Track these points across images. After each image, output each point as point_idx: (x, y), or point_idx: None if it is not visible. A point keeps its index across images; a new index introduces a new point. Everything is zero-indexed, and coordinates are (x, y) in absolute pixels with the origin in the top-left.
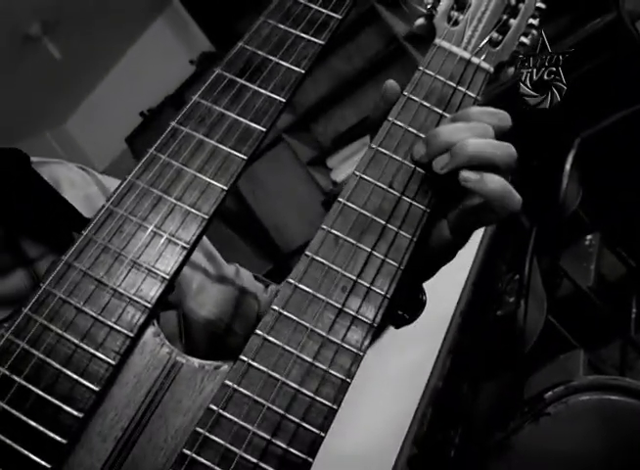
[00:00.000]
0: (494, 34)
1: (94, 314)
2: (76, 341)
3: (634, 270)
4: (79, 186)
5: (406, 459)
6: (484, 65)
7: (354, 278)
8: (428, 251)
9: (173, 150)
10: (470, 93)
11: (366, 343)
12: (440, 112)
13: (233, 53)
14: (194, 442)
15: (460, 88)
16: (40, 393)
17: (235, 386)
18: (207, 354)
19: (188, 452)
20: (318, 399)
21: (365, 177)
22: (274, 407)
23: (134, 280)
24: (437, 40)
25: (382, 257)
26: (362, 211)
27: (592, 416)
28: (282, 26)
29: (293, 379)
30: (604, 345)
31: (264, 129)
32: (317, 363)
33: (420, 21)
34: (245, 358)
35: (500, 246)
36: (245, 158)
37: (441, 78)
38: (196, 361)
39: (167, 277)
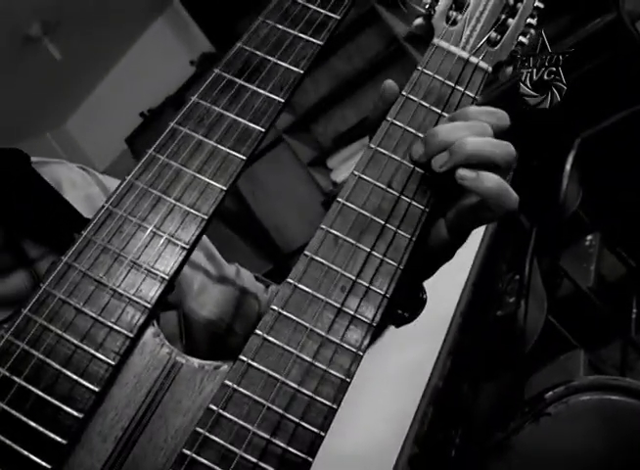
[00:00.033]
0: (493, 34)
1: (94, 315)
2: (76, 341)
3: (634, 270)
4: (80, 186)
5: (407, 459)
6: (483, 64)
7: (354, 278)
8: (427, 250)
9: (172, 150)
10: (468, 93)
11: (365, 342)
12: (439, 111)
13: (231, 53)
14: (194, 442)
15: (458, 88)
16: (40, 393)
17: (235, 386)
18: (208, 355)
19: (188, 452)
20: (318, 398)
21: (364, 177)
22: (274, 407)
23: (134, 280)
24: (436, 40)
25: (381, 256)
26: (361, 210)
27: (592, 416)
28: (280, 27)
29: (292, 379)
30: (604, 345)
31: (263, 129)
32: (317, 363)
33: (418, 20)
34: (244, 358)
35: (500, 246)
36: (244, 158)
37: (440, 78)
38: (195, 361)
39: (167, 277)
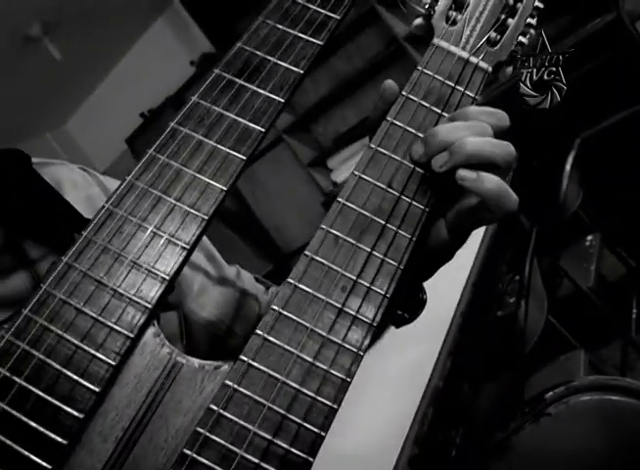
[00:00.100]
0: (492, 34)
1: (94, 315)
2: (77, 342)
3: (634, 271)
4: (81, 187)
5: (407, 459)
6: (483, 64)
7: (354, 278)
8: (427, 250)
9: (172, 150)
10: (468, 93)
11: (366, 342)
12: (439, 111)
13: (231, 53)
14: (194, 442)
15: (458, 88)
16: (41, 393)
17: (235, 386)
18: (208, 356)
19: (188, 452)
20: (319, 398)
21: (364, 177)
22: (275, 407)
23: (134, 281)
24: (436, 40)
25: (381, 256)
26: (361, 210)
27: (593, 416)
28: (280, 27)
29: (293, 379)
30: (604, 345)
31: (263, 129)
32: (317, 363)
33: (418, 20)
34: (245, 358)
35: (500, 246)
36: (244, 158)
37: (440, 78)
38: (196, 361)
39: (167, 278)
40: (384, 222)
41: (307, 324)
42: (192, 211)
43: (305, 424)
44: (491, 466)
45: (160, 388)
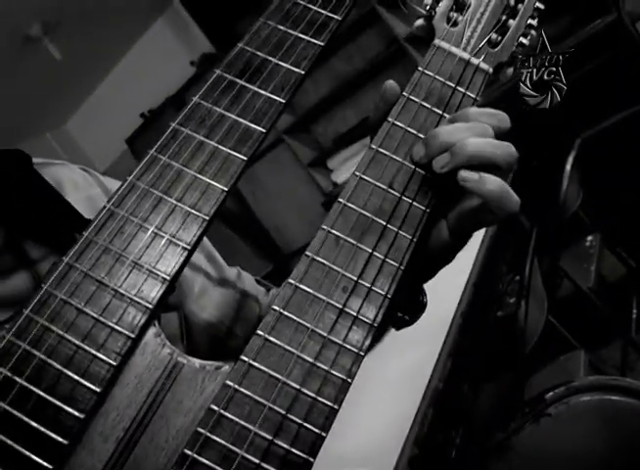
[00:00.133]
0: (493, 35)
1: (95, 315)
2: (77, 342)
3: (634, 271)
4: (82, 188)
5: (407, 460)
6: (484, 65)
7: (355, 278)
8: (427, 252)
9: (174, 151)
10: (469, 93)
11: (367, 343)
12: (440, 112)
13: (233, 54)
14: (195, 442)
15: (459, 89)
16: (41, 393)
17: (236, 386)
18: (208, 357)
19: (189, 453)
20: (319, 399)
21: (365, 178)
22: (275, 407)
23: (135, 281)
24: (437, 41)
25: (382, 257)
26: (362, 211)
27: (593, 417)
28: (281, 28)
29: (294, 379)
30: (604, 345)
31: (264, 130)
32: (318, 363)
33: (419, 21)
34: (246, 359)
35: (501, 247)
36: (245, 158)
37: (441, 79)
38: (197, 362)
39: (168, 278)
40: (385, 223)
41: (308, 325)
42: (193, 211)
43: (306, 424)
44: (491, 467)
45: (161, 388)
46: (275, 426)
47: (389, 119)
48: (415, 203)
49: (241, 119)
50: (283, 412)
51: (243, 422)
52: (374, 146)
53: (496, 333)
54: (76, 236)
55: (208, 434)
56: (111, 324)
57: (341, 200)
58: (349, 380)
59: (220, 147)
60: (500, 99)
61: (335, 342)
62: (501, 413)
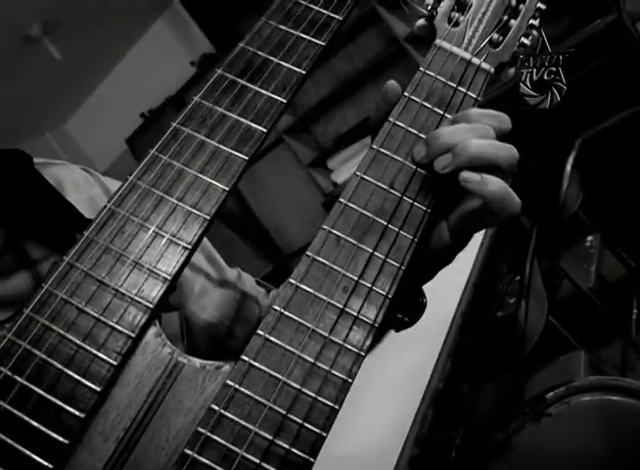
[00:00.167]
0: (495, 35)
1: (96, 315)
2: (78, 341)
3: (634, 271)
4: (83, 188)
5: (407, 460)
6: (485, 65)
7: (356, 278)
8: (428, 252)
9: (175, 151)
10: (471, 94)
11: (367, 343)
12: (441, 112)
13: (234, 54)
14: (195, 442)
15: (461, 89)
16: (42, 393)
17: (236, 386)
18: (209, 357)
19: (189, 452)
20: (320, 399)
21: (366, 178)
22: (276, 407)
23: (136, 280)
24: (438, 41)
25: (383, 257)
26: (363, 211)
27: (593, 417)
28: (283, 27)
29: (294, 379)
30: (605, 346)
31: (265, 130)
32: (319, 363)
33: (420, 21)
34: (246, 358)
35: (501, 247)
36: (246, 158)
37: (442, 79)
38: (197, 362)
39: (169, 278)
40: (385, 223)
41: (309, 324)
42: (194, 211)
43: (306, 424)
44: (491, 467)
45: (162, 388)
46: (275, 426)
47: (391, 119)
48: (416, 203)
49: (242, 119)
50: (283, 412)
51: (243, 422)
52: (375, 146)
53: (496, 333)
54: (77, 236)
55: (209, 434)
56: (111, 324)
57: (342, 200)
58: (350, 380)
59: (221, 147)
60: (500, 99)
61: (335, 342)
62: (501, 413)
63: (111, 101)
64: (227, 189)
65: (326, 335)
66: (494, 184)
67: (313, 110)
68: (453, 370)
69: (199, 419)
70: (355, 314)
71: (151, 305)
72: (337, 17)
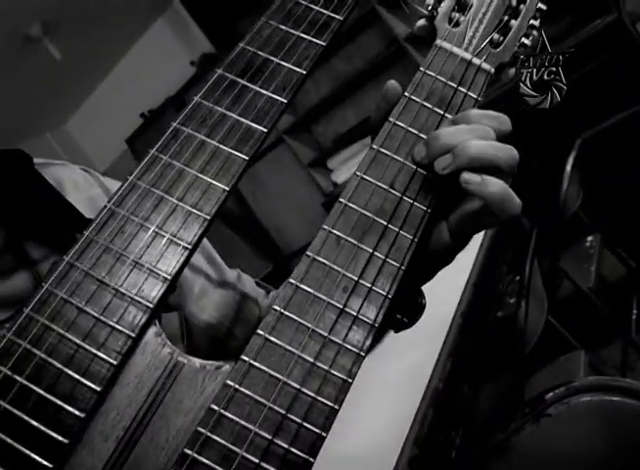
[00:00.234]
0: (495, 35)
1: (96, 314)
2: (78, 341)
3: (634, 271)
4: (83, 188)
5: (407, 460)
6: (485, 66)
7: (356, 278)
8: (428, 253)
9: (175, 150)
10: (471, 94)
11: (367, 343)
12: (441, 112)
13: (234, 54)
14: (195, 441)
15: (461, 89)
16: (42, 392)
17: (236, 386)
18: (209, 357)
19: (189, 452)
20: (320, 399)
21: (366, 178)
22: (275, 407)
23: (136, 280)
24: (438, 41)
25: (383, 257)
26: (363, 211)
27: (593, 417)
28: (283, 27)
29: (294, 379)
30: (604, 346)
31: (266, 130)
32: (318, 363)
33: (421, 22)
34: (246, 358)
35: (501, 247)
36: (246, 158)
37: (442, 79)
38: (197, 361)
39: (169, 277)
40: (386, 223)
41: (309, 324)
42: (194, 210)
43: (306, 424)
44: (491, 467)
45: (162, 387)
46: (275, 426)
47: (391, 119)
48: (416, 203)
49: (242, 119)
50: (283, 412)
51: (243, 422)
52: (375, 146)
53: (496, 333)
54: (77, 236)
55: (209, 433)
56: (111, 323)
57: (342, 200)
58: (350, 380)
59: (221, 146)
60: (500, 99)
61: (335, 342)
62: (501, 413)
63: (111, 101)
64: (227, 189)
65: (326, 335)
66: (494, 185)
67: (313, 110)
68: (453, 370)
69: (198, 419)
70: (355, 314)
71: (151, 305)
72: (337, 17)
